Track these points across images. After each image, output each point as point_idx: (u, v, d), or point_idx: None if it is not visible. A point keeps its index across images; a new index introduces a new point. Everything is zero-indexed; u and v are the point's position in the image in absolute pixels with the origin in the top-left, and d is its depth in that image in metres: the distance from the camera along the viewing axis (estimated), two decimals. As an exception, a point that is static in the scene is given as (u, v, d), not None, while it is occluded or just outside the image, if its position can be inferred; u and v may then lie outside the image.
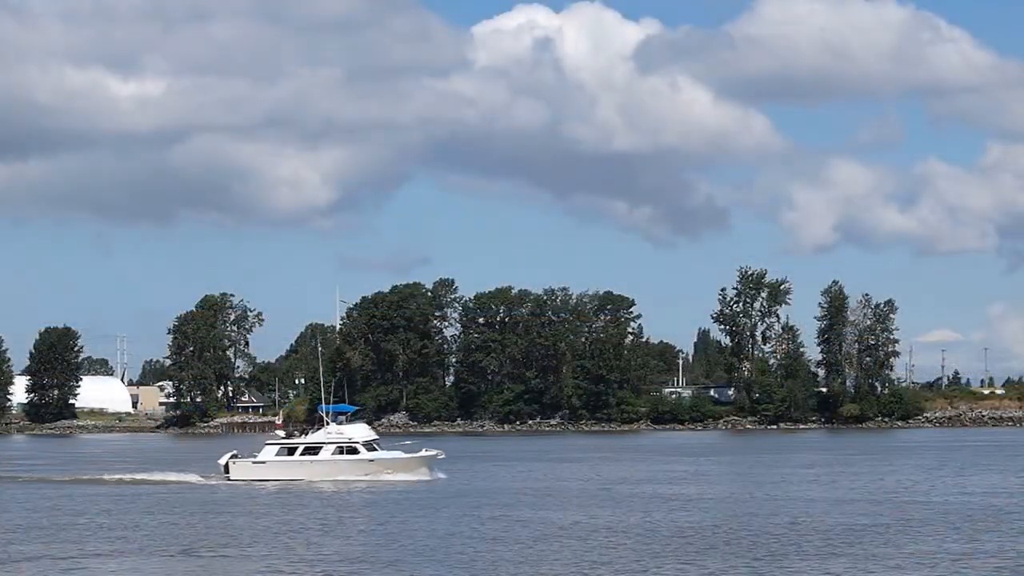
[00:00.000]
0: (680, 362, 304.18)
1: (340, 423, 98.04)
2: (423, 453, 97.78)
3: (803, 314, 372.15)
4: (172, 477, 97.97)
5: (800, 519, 64.94)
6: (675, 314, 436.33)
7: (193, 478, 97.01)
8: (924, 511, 68.61)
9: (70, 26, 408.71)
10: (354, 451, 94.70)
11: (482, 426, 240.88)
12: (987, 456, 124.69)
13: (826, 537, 57.43)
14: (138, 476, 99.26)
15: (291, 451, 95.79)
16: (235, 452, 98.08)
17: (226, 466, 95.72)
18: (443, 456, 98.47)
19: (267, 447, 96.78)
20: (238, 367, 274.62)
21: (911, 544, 54.93)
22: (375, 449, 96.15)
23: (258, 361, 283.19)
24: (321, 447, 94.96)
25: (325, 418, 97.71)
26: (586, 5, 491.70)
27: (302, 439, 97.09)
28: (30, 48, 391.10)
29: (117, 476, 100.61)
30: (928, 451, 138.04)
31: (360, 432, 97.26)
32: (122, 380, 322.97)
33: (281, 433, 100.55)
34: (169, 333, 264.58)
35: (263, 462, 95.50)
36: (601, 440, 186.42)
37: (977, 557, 51.07)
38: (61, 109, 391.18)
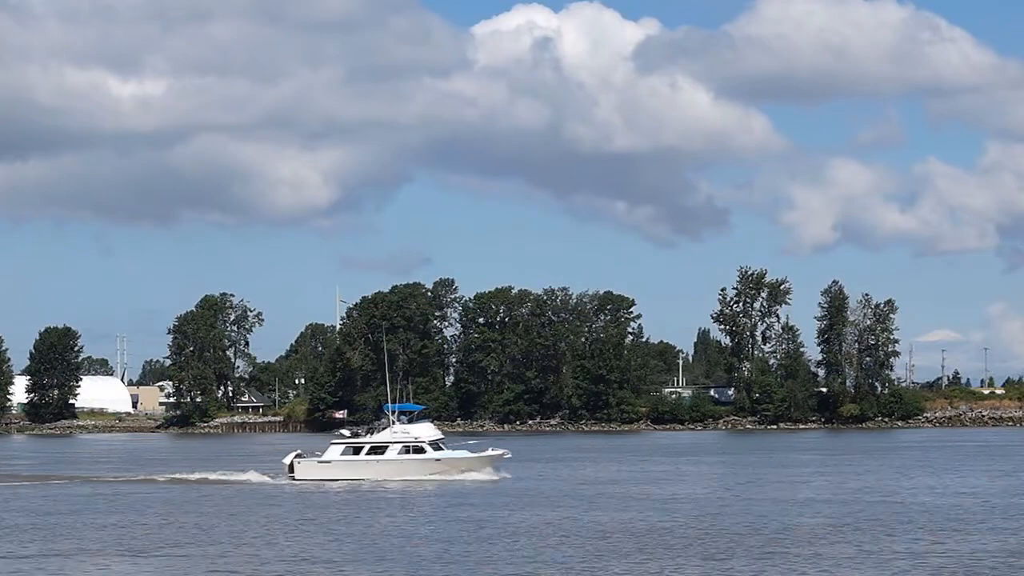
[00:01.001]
0: (680, 362, 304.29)
1: (403, 422, 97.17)
2: (489, 452, 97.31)
3: (803, 314, 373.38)
4: (236, 477, 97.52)
5: (764, 519, 64.57)
6: (675, 314, 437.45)
7: (258, 477, 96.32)
8: (886, 511, 68.21)
9: (70, 26, 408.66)
10: (420, 450, 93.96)
11: (482, 426, 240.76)
12: (968, 457, 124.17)
13: (782, 536, 57.14)
14: (200, 476, 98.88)
15: (356, 450, 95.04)
16: (300, 451, 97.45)
17: (291, 465, 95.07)
18: (509, 455, 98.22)
19: (332, 446, 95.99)
20: (238, 367, 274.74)
21: (865, 544, 54.52)
22: (441, 448, 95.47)
23: (258, 361, 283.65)
24: (387, 446, 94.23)
25: (391, 417, 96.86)
26: (585, 5, 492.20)
27: (368, 438, 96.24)
28: (30, 48, 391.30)
29: (178, 476, 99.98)
30: (915, 451, 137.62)
31: (426, 431, 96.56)
32: (122, 380, 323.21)
33: (347, 432, 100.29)
34: (169, 333, 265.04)
35: (328, 461, 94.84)
36: (605, 440, 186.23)
37: (926, 557, 50.73)
38: (61, 109, 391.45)
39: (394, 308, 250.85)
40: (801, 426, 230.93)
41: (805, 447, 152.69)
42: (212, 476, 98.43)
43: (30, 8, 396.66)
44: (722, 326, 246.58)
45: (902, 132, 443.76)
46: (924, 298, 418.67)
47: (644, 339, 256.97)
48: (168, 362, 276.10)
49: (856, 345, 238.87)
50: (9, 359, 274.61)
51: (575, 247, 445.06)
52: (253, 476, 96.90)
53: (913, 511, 68.39)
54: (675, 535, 58.51)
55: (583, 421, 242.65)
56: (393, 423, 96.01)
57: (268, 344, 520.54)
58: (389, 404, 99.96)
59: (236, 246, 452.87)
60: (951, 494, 79.75)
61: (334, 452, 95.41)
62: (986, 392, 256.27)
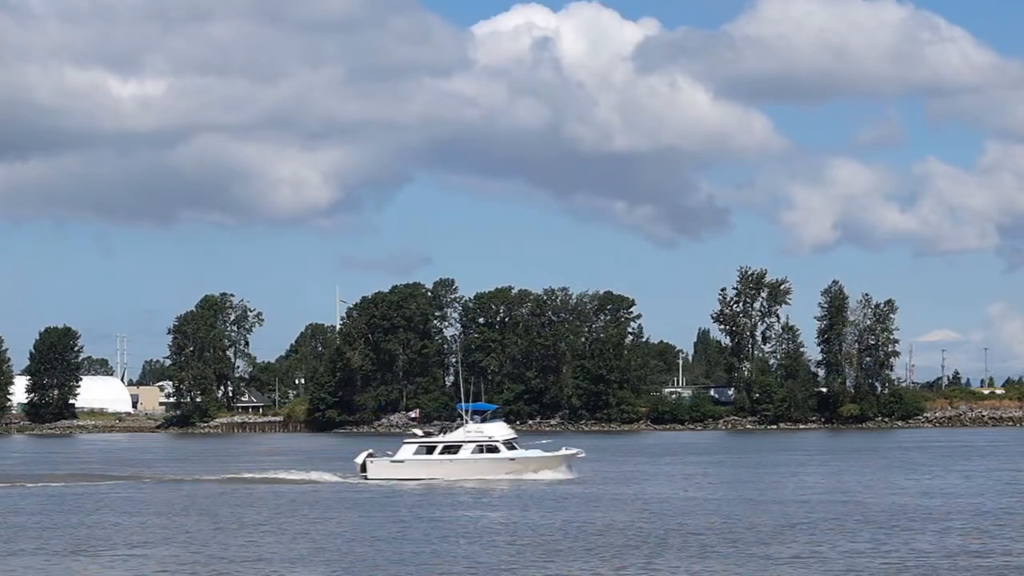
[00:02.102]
0: (680, 362, 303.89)
1: (477, 421, 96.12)
2: (563, 452, 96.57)
3: (803, 314, 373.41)
4: (308, 476, 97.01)
5: (726, 518, 64.11)
6: (675, 314, 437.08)
7: (331, 477, 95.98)
8: (849, 510, 67.58)
9: (70, 26, 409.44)
10: (494, 449, 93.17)
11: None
12: (953, 456, 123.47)
13: (736, 536, 56.61)
14: (271, 475, 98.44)
15: (430, 450, 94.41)
16: (371, 451, 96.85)
17: (363, 465, 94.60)
18: (583, 455, 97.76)
19: (405, 446, 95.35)
20: (238, 367, 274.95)
21: (819, 543, 53.96)
22: (515, 448, 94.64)
23: (258, 361, 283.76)
24: (460, 446, 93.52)
25: (464, 416, 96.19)
26: (584, 5, 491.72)
27: (441, 437, 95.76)
28: (30, 48, 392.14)
29: (248, 475, 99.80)
30: (904, 451, 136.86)
31: (500, 431, 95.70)
32: (122, 380, 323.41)
33: (419, 432, 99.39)
34: (169, 333, 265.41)
35: (401, 461, 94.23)
36: (605, 440, 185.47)
37: (869, 556, 50.12)
38: (61, 109, 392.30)
39: (394, 308, 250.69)
40: (801, 426, 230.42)
41: (792, 447, 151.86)
42: (286, 475, 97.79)
43: (30, 8, 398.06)
44: (722, 326, 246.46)
45: (902, 132, 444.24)
46: (924, 298, 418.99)
47: (644, 339, 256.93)
48: (168, 362, 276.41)
49: (856, 345, 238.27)
50: (9, 359, 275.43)
51: (575, 247, 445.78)
52: (325, 476, 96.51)
53: (875, 510, 67.65)
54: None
55: (583, 421, 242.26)
56: (466, 422, 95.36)
57: (268, 344, 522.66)
58: (462, 403, 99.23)
59: (236, 246, 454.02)
60: (918, 494, 79.01)
61: (407, 451, 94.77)
62: (986, 392, 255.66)
